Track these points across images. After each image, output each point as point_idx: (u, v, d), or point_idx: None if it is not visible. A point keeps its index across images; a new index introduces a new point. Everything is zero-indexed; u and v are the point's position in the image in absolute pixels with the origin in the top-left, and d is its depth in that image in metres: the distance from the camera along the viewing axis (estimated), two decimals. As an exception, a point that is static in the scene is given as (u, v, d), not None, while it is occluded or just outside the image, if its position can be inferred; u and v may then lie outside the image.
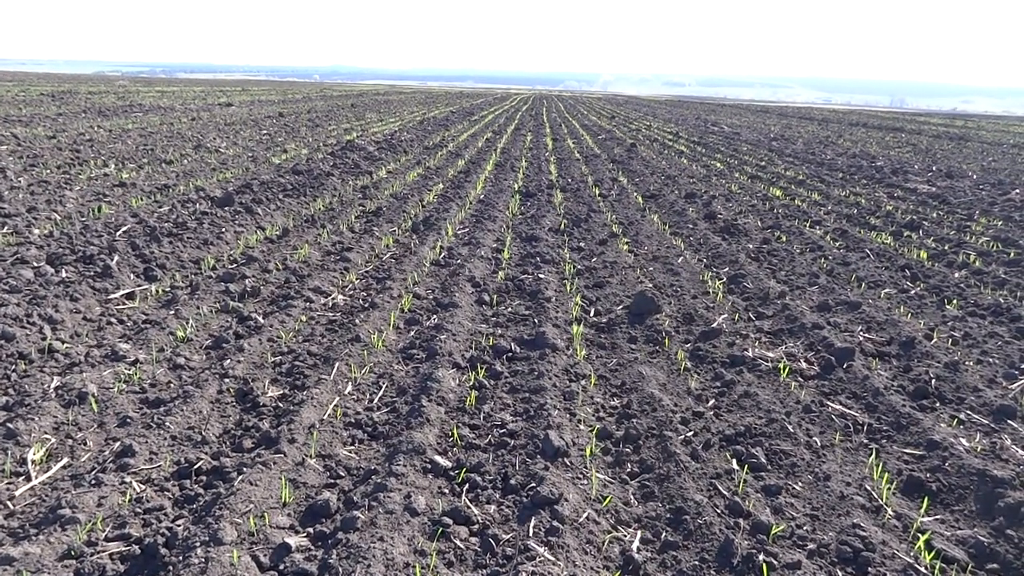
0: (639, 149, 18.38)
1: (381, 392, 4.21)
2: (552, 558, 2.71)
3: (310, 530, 2.91)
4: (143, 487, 3.13)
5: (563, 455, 3.46)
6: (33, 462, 3.27)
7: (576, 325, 5.37)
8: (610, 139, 21.67)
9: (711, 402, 4.27)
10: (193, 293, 5.61)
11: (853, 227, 9.37)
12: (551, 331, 5.04)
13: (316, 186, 10.41)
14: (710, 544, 2.86)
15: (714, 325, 5.40)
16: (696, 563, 2.78)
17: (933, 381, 4.48)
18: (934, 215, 10.41)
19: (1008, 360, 4.95)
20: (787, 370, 4.60)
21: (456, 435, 3.69)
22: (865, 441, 3.83)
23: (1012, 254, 7.90)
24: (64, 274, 5.59)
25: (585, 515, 3.02)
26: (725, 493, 3.26)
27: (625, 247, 8.00)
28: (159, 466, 3.30)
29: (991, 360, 4.96)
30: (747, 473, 3.43)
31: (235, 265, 6.50)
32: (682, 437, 3.75)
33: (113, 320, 5.01)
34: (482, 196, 10.68)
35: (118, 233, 6.81)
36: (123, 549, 2.73)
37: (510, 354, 4.82)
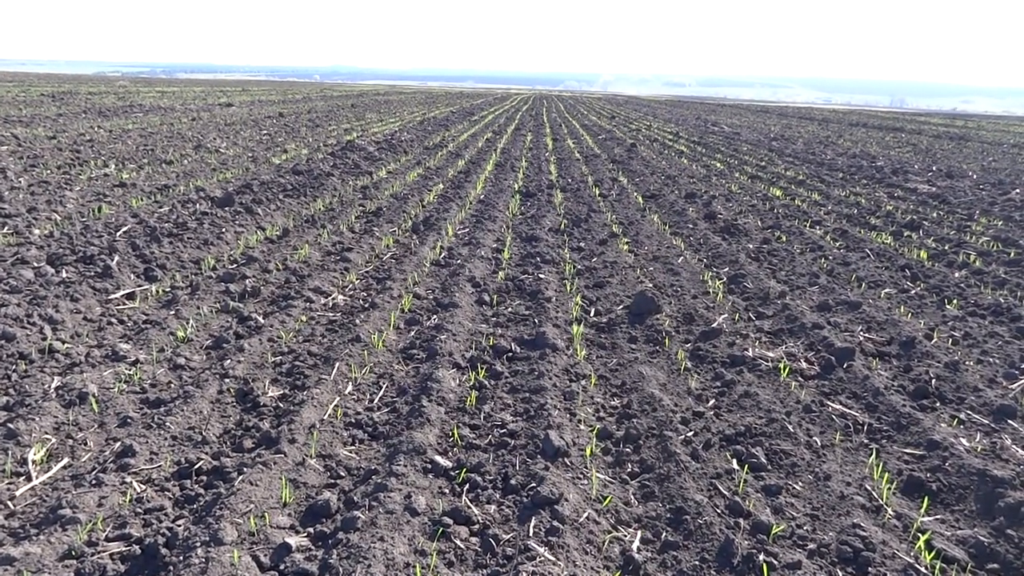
0: (639, 149, 18.38)
1: (381, 392, 4.22)
2: (552, 558, 2.71)
3: (310, 530, 2.91)
4: (143, 487, 3.14)
5: (563, 455, 3.46)
6: (34, 462, 3.27)
7: (576, 325, 5.37)
8: (610, 139, 21.67)
9: (711, 402, 4.27)
10: (193, 293, 5.62)
11: (853, 227, 9.37)
12: (551, 331, 5.05)
13: (316, 186, 10.41)
14: (710, 544, 2.86)
15: (714, 325, 5.40)
16: (696, 563, 2.78)
17: (933, 381, 4.48)
18: (934, 215, 10.41)
19: (1008, 360, 4.95)
20: (787, 370, 4.60)
21: (456, 435, 3.69)
22: (865, 441, 3.83)
23: (1012, 254, 7.90)
24: (64, 274, 5.60)
25: (585, 515, 3.02)
26: (725, 493, 3.26)
27: (625, 247, 8.00)
28: (159, 466, 3.31)
29: (991, 360, 4.96)
30: (747, 473, 3.43)
31: (235, 265, 6.50)
32: (682, 437, 3.75)
33: (113, 320, 5.01)
34: (482, 196, 10.69)
35: (118, 233, 6.81)
36: (123, 549, 2.73)
37: (510, 354, 4.82)
